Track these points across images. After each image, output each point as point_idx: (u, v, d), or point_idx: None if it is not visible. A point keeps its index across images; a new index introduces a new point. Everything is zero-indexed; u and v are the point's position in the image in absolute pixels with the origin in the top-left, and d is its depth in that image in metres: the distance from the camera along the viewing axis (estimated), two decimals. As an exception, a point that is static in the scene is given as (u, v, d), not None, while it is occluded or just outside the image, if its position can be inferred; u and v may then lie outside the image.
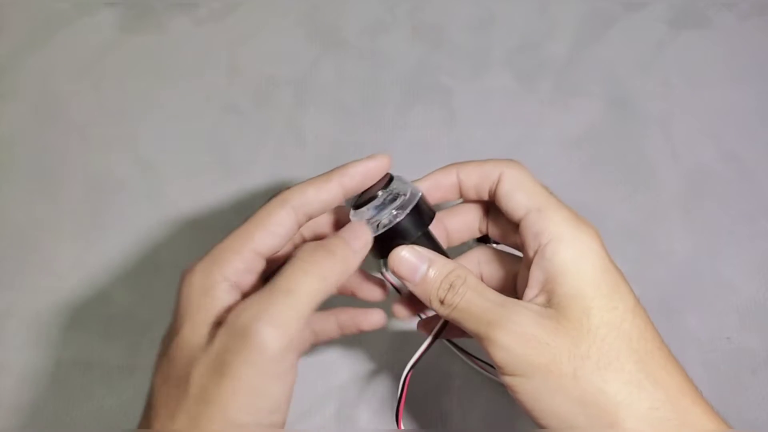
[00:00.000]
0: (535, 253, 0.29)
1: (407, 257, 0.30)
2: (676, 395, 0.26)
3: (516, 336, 0.27)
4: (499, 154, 0.51)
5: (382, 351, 0.47)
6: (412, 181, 0.33)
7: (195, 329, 0.27)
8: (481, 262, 0.34)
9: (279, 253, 0.30)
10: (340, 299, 0.34)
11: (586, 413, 0.26)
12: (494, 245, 0.35)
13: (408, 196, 0.30)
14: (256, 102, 0.53)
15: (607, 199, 0.50)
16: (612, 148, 0.52)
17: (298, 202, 0.29)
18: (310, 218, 0.30)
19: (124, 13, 0.56)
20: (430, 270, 0.30)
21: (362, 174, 0.30)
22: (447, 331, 0.33)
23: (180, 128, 0.53)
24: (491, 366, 0.45)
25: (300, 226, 0.30)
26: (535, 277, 0.29)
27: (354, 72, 0.54)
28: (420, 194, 0.31)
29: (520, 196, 0.30)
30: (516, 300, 0.29)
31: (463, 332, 0.31)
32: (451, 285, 0.29)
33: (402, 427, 0.33)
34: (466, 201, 0.34)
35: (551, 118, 0.52)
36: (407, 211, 0.30)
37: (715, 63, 0.54)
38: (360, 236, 0.29)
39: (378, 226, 0.30)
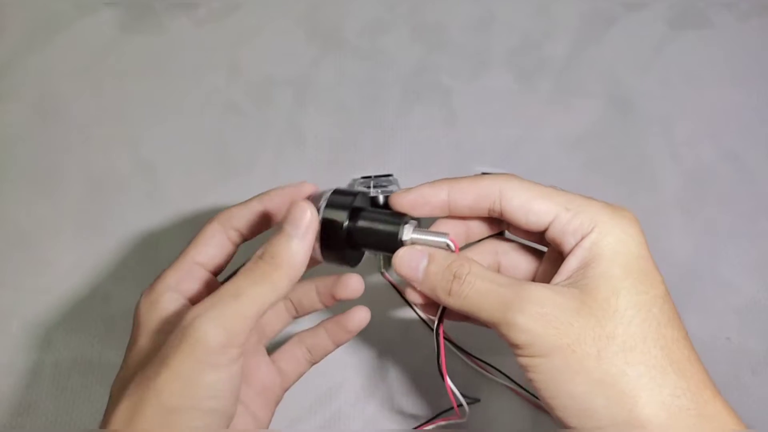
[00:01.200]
0: (575, 246, 0.28)
1: (405, 257, 0.30)
2: (698, 386, 0.26)
3: (537, 317, 0.26)
4: (499, 154, 0.51)
5: (383, 351, 0.47)
6: (404, 189, 0.33)
7: (146, 337, 0.30)
8: (498, 252, 0.33)
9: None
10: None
11: (606, 395, 0.25)
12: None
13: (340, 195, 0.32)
14: (256, 102, 0.53)
15: (607, 199, 0.50)
16: (612, 148, 0.52)
17: (224, 217, 0.33)
18: (240, 233, 0.33)
19: (124, 13, 0.56)
20: (431, 265, 0.30)
21: (281, 196, 0.33)
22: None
23: (180, 128, 0.53)
24: (491, 366, 0.45)
25: (233, 241, 0.33)
26: (568, 266, 0.28)
27: (354, 72, 0.54)
28: (332, 190, 0.32)
29: (538, 203, 0.29)
30: (531, 282, 0.28)
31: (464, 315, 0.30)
32: (454, 275, 0.29)
33: (448, 380, 0.32)
34: (454, 217, 0.33)
35: (551, 118, 0.52)
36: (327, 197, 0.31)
37: (715, 63, 0.54)
38: (301, 221, 0.28)
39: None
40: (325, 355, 0.37)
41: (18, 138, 0.53)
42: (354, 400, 0.46)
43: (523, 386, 0.45)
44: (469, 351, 0.46)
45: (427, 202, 0.31)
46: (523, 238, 0.32)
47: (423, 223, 0.32)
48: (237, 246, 0.34)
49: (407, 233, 0.31)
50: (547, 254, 0.32)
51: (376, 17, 0.55)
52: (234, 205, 0.34)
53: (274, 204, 0.33)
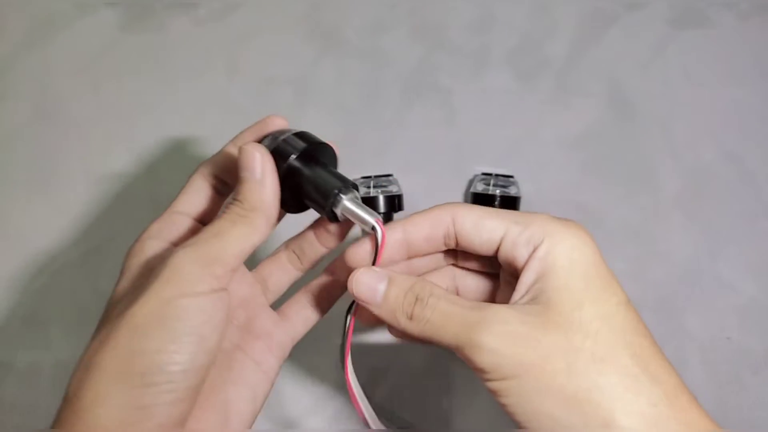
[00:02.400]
0: (528, 257, 0.28)
1: (362, 279, 0.29)
2: (674, 392, 0.25)
3: (503, 336, 0.25)
4: (499, 154, 0.51)
5: (383, 352, 0.47)
6: (359, 241, 0.31)
7: (127, 281, 0.30)
8: (456, 276, 0.33)
9: None
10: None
11: (582, 411, 0.25)
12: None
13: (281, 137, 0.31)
14: (256, 102, 0.53)
15: (607, 199, 0.50)
16: (612, 148, 0.52)
17: (203, 167, 0.33)
18: (217, 176, 0.33)
19: (124, 13, 0.56)
20: (391, 287, 0.29)
21: (251, 132, 0.33)
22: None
23: (180, 128, 0.53)
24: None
25: (215, 187, 0.33)
26: (525, 279, 0.27)
27: (354, 72, 0.54)
28: (297, 131, 0.32)
29: (489, 221, 0.29)
30: (494, 303, 0.27)
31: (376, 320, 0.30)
32: (417, 298, 0.28)
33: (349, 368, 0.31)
34: (415, 257, 0.32)
35: (551, 118, 0.52)
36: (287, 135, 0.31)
37: (715, 63, 0.54)
38: (253, 162, 0.29)
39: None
40: (317, 261, 0.35)
41: (18, 137, 0.53)
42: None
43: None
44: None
45: (384, 245, 0.30)
46: (477, 269, 0.32)
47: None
48: (221, 193, 0.33)
49: (343, 199, 0.30)
50: (502, 276, 0.31)
51: (376, 17, 0.55)
52: (217, 154, 0.33)
53: (245, 138, 0.33)
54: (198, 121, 0.53)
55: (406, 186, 0.49)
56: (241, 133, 0.33)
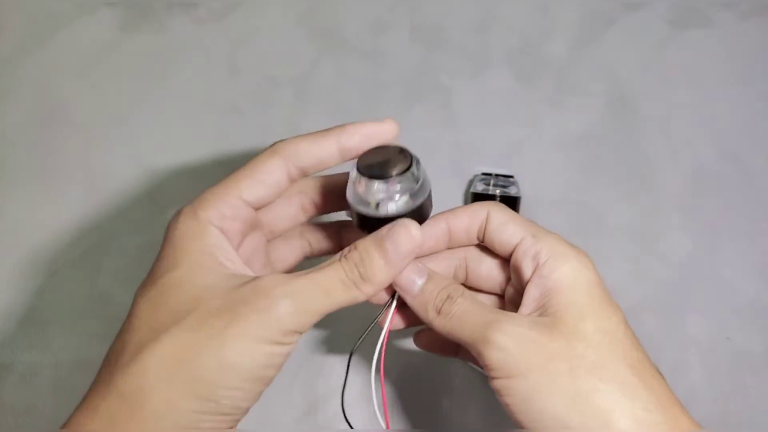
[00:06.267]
0: (533, 272, 0.30)
1: (407, 270, 0.31)
2: (667, 402, 0.27)
3: (514, 337, 0.28)
4: (499, 154, 0.51)
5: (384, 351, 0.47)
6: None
7: (193, 269, 0.27)
8: (468, 258, 0.34)
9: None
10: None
11: (581, 411, 0.26)
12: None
13: (420, 186, 0.29)
14: (256, 102, 0.53)
15: (607, 199, 0.50)
16: (612, 148, 0.52)
17: (289, 152, 0.29)
18: (303, 172, 0.30)
19: (124, 13, 0.56)
20: (429, 283, 0.31)
21: (363, 134, 0.30)
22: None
23: (180, 128, 0.53)
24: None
25: (292, 180, 0.30)
26: (531, 294, 0.30)
27: (354, 72, 0.54)
28: (430, 189, 0.30)
29: (512, 227, 0.32)
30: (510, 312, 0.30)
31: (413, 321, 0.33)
32: (448, 296, 0.31)
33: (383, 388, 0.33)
34: (454, 248, 0.34)
35: (551, 118, 0.52)
36: (416, 204, 0.29)
37: (715, 63, 0.54)
38: (406, 246, 0.29)
39: (377, 205, 0.29)
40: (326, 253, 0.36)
41: (18, 138, 0.53)
42: (354, 401, 0.45)
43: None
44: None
45: (432, 236, 0.33)
46: (490, 277, 0.34)
47: None
48: (294, 183, 0.31)
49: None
50: (514, 282, 0.33)
51: (376, 17, 0.55)
52: (303, 136, 0.30)
53: (352, 143, 0.30)
54: (198, 121, 0.53)
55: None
56: (347, 126, 0.30)
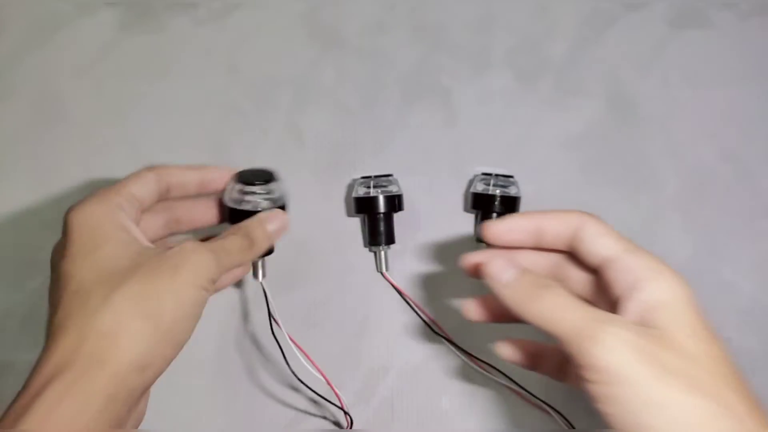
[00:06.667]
0: (631, 287, 0.29)
1: (496, 261, 0.32)
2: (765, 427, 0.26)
3: (624, 340, 0.27)
4: (499, 154, 0.51)
5: (383, 352, 0.47)
6: (496, 219, 0.35)
7: (120, 240, 0.33)
8: (560, 264, 0.34)
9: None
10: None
11: (676, 426, 0.26)
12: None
13: (279, 195, 0.40)
14: (256, 102, 0.53)
15: (607, 199, 0.50)
16: (612, 148, 0.52)
17: (162, 170, 0.38)
18: (168, 187, 0.38)
19: (124, 13, 0.56)
20: (525, 274, 0.31)
21: (218, 170, 0.40)
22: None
23: (180, 128, 0.53)
24: (491, 366, 0.45)
25: (161, 191, 0.38)
26: (631, 309, 0.29)
27: (354, 72, 0.54)
28: (285, 201, 0.41)
29: (607, 239, 0.31)
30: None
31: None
32: (547, 285, 0.30)
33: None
34: (539, 249, 0.34)
35: (551, 118, 0.52)
36: (276, 206, 0.40)
37: (715, 63, 0.54)
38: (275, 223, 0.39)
39: (248, 203, 0.39)
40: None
41: (18, 138, 0.53)
42: (354, 401, 0.46)
43: (522, 385, 0.45)
44: (468, 350, 0.46)
45: (521, 230, 0.33)
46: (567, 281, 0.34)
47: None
48: (156, 203, 0.38)
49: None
50: (602, 293, 0.33)
51: (376, 17, 0.55)
52: (172, 165, 0.39)
53: (211, 176, 0.40)
54: (198, 121, 0.53)
55: (406, 186, 0.49)
56: (208, 166, 0.41)
